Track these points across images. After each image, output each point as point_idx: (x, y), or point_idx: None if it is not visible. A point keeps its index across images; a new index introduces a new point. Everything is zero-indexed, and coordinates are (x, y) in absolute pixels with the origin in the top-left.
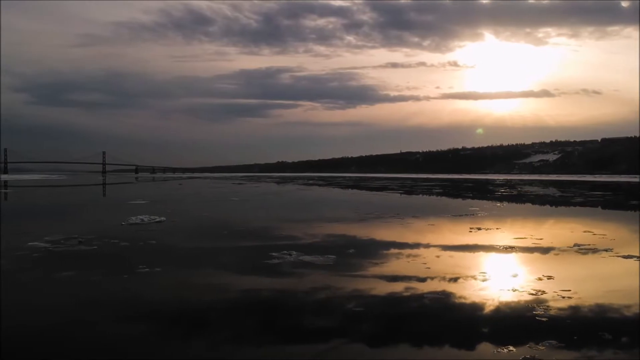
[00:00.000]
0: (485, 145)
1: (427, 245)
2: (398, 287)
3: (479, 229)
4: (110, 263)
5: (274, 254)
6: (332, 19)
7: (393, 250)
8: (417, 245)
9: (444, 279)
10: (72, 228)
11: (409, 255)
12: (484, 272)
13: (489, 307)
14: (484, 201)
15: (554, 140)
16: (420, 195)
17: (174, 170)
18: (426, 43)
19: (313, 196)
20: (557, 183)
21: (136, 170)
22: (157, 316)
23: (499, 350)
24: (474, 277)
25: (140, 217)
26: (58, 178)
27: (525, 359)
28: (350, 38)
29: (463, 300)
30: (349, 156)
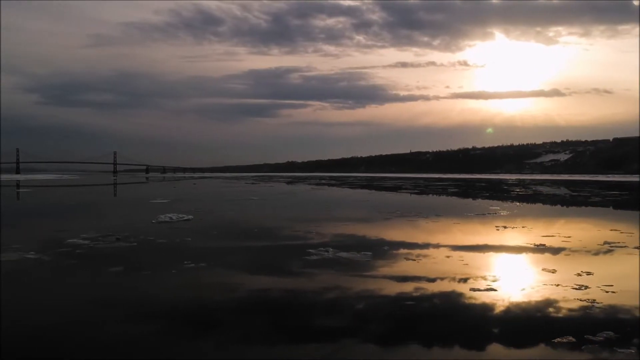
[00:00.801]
0: (495, 145)
1: (459, 244)
2: (442, 284)
3: (505, 227)
4: (155, 259)
5: (311, 250)
6: (341, 19)
7: (427, 248)
8: (448, 244)
9: (486, 277)
10: (105, 226)
11: (443, 254)
12: (523, 269)
13: (538, 302)
14: (503, 201)
15: (565, 140)
16: (437, 195)
17: (184, 170)
18: (436, 42)
19: (330, 196)
20: (571, 183)
21: (147, 170)
22: (221, 308)
23: (580, 341)
24: (516, 275)
25: (169, 215)
26: (71, 178)
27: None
28: (360, 38)
29: (514, 297)
30: (359, 156)
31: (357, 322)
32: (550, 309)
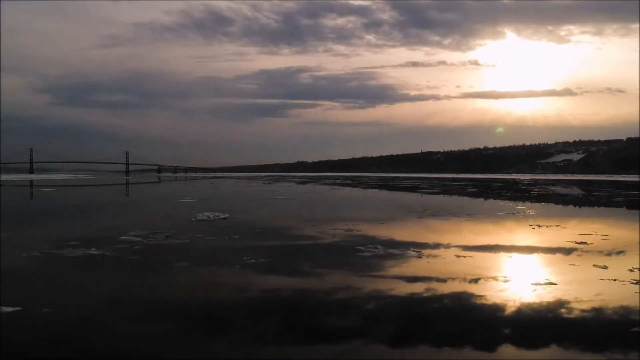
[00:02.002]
0: (507, 145)
1: (508, 244)
2: (509, 281)
3: (539, 226)
4: (214, 256)
5: (360, 247)
6: (351, 18)
7: (478, 248)
8: (498, 244)
9: (544, 273)
10: (148, 224)
11: (497, 253)
12: (576, 266)
13: (601, 297)
14: (526, 201)
15: (577, 139)
16: (458, 195)
17: (195, 170)
18: (447, 42)
19: (354, 195)
20: (588, 183)
21: (159, 170)
22: (291, 301)
23: None
24: (571, 271)
25: (206, 214)
26: (86, 178)
27: None
28: (370, 37)
29: (577, 292)
30: (370, 156)
31: (431, 313)
32: (617, 303)
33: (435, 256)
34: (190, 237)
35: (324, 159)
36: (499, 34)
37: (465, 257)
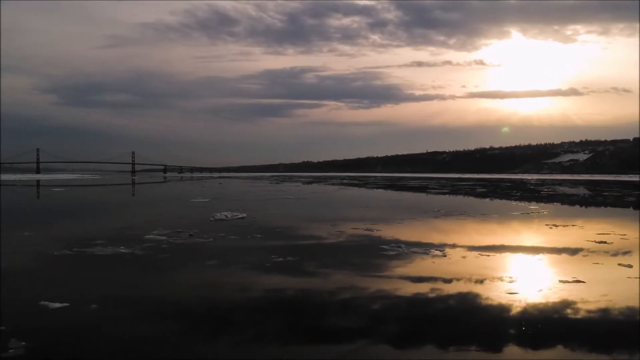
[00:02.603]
0: (512, 145)
1: (530, 244)
2: (538, 278)
3: (556, 225)
4: (241, 254)
5: (384, 246)
6: (356, 18)
7: (495, 247)
8: (520, 244)
9: (571, 271)
10: (168, 223)
11: (521, 252)
12: (601, 265)
13: (633, 293)
14: (537, 201)
15: (583, 139)
16: (468, 195)
17: (201, 170)
18: (452, 41)
19: (364, 195)
20: (596, 183)
21: (164, 170)
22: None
23: None
24: (598, 269)
25: (224, 213)
26: (93, 177)
27: None
28: (375, 37)
29: (607, 290)
30: (375, 156)
31: (472, 305)
32: None
33: (459, 256)
34: (213, 237)
35: (329, 159)
36: (505, 33)
37: (489, 256)
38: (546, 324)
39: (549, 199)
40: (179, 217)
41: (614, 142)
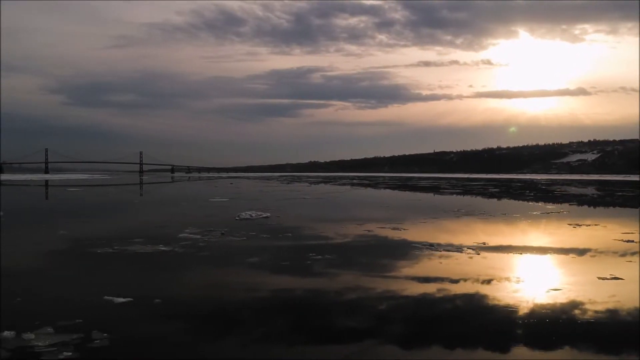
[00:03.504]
0: (520, 144)
1: (551, 241)
2: (578, 276)
3: (578, 225)
4: (279, 252)
5: (416, 245)
6: (363, 18)
7: (526, 247)
8: (538, 241)
9: (609, 269)
10: (196, 222)
11: (540, 251)
12: (632, 262)
13: None
14: (553, 201)
15: (592, 139)
16: (483, 195)
17: (208, 170)
18: (459, 41)
19: (378, 195)
20: (606, 183)
21: (172, 170)
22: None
23: None
24: (633, 265)
25: (248, 213)
26: (103, 177)
27: None
28: (382, 37)
29: None
30: (382, 156)
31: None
32: None
33: (495, 255)
34: (245, 235)
35: (336, 159)
36: (512, 33)
37: (523, 255)
38: (600, 319)
39: (564, 199)
40: (204, 216)
41: (622, 142)
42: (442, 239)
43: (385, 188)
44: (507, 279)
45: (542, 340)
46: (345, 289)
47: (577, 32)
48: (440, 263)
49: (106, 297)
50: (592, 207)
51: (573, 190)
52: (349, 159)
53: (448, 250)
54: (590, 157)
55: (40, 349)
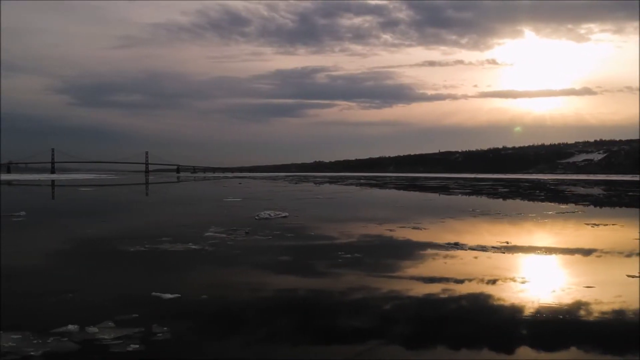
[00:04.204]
0: (525, 144)
1: (575, 241)
2: (594, 274)
3: (596, 225)
4: (310, 252)
5: (440, 244)
6: (368, 18)
7: (550, 247)
8: (561, 241)
9: (634, 266)
10: (217, 221)
11: (566, 251)
12: None
13: None
14: (564, 201)
15: (598, 139)
16: (494, 195)
17: (214, 170)
18: (464, 41)
19: (389, 195)
20: (615, 183)
21: (178, 170)
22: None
23: None
24: None
25: (267, 212)
26: (110, 177)
27: None
28: (387, 36)
29: None
30: (387, 156)
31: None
32: None
33: (522, 255)
34: (270, 235)
35: (341, 159)
36: (518, 32)
37: (549, 254)
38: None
39: (576, 199)
40: (223, 216)
41: (629, 142)
42: (465, 238)
43: (394, 188)
44: (539, 278)
45: (597, 334)
46: (387, 288)
47: (582, 31)
48: (472, 263)
49: (154, 293)
50: (605, 208)
51: (582, 190)
52: (354, 159)
53: (474, 250)
54: (597, 157)
55: (107, 341)
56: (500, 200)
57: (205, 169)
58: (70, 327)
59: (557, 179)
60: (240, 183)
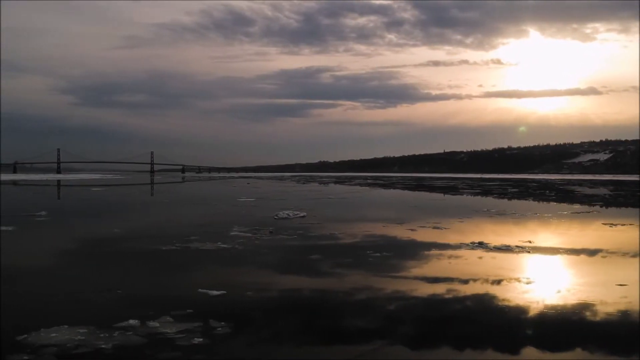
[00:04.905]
0: (530, 144)
1: (597, 241)
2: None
3: (613, 224)
4: (341, 251)
5: (465, 243)
6: (372, 18)
7: (573, 248)
8: (583, 241)
9: None
10: (239, 221)
11: (588, 252)
12: None
13: None
14: (576, 201)
15: (604, 139)
16: (504, 195)
17: (219, 170)
18: (469, 41)
19: (400, 195)
20: (622, 183)
21: (183, 170)
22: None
23: None
24: None
25: (285, 212)
26: (117, 177)
27: None
28: (391, 36)
29: None
30: (392, 156)
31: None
32: None
33: (550, 254)
34: (293, 234)
35: (346, 159)
36: (522, 32)
37: (576, 254)
38: None
39: (587, 199)
40: (242, 216)
41: (635, 142)
42: (489, 238)
43: (403, 188)
44: (573, 277)
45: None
46: (426, 289)
47: (588, 31)
48: (503, 263)
49: (200, 290)
50: (619, 208)
51: (592, 190)
52: (358, 159)
53: (500, 249)
54: (603, 157)
55: (171, 335)
56: (513, 200)
57: (210, 169)
58: (132, 321)
59: (564, 179)
60: (248, 183)
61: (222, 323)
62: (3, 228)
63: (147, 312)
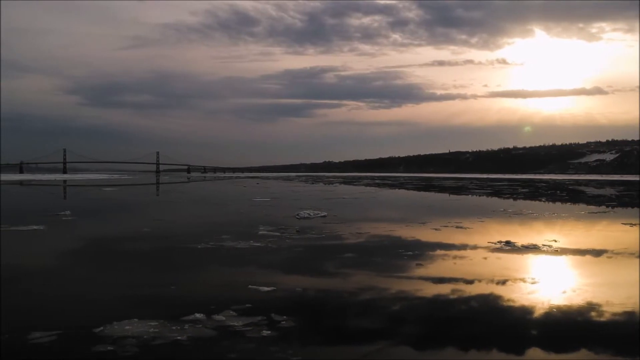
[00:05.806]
0: (536, 145)
1: (624, 240)
2: None
3: (633, 224)
4: (370, 250)
5: (492, 243)
6: (377, 17)
7: (602, 247)
8: (610, 242)
9: None
10: (262, 221)
11: (620, 253)
12: None
13: None
14: (590, 201)
15: (610, 139)
16: (516, 195)
17: (224, 170)
18: (474, 40)
19: (412, 196)
20: (630, 183)
21: (188, 170)
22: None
23: None
24: None
25: (306, 212)
26: (124, 177)
27: None
28: (396, 36)
29: None
30: (397, 156)
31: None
32: None
33: (579, 254)
34: (320, 233)
35: (351, 159)
36: (528, 32)
37: (601, 254)
38: None
39: (600, 199)
40: (264, 215)
41: None
42: (514, 237)
43: (412, 189)
44: (604, 275)
45: None
46: (467, 288)
47: (594, 30)
48: (534, 261)
49: (251, 286)
50: (633, 208)
51: (602, 190)
52: (363, 159)
53: (528, 249)
54: (609, 157)
55: (240, 328)
56: (527, 200)
57: (215, 169)
58: (198, 315)
59: (572, 179)
60: (258, 183)
61: (284, 317)
62: (35, 227)
63: (209, 307)
